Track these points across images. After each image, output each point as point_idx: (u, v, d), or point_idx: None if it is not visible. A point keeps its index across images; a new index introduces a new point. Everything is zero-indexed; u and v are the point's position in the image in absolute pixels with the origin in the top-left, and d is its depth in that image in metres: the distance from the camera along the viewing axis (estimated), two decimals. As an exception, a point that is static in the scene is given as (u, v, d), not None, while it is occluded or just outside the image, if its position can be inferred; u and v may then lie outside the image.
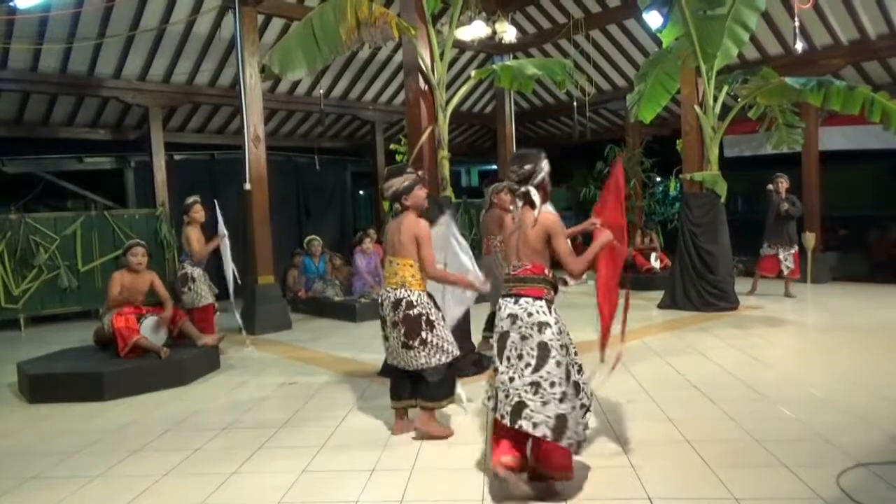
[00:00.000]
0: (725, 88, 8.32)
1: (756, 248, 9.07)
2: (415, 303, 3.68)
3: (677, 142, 8.75)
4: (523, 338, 2.93)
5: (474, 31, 8.67)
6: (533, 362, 2.88)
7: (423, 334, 3.66)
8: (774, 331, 6.72)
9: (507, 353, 2.96)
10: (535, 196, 3.01)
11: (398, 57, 11.19)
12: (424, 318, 3.68)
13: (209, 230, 6.69)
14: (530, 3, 11.12)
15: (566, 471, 2.92)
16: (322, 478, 3.33)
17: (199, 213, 6.48)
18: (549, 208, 3.08)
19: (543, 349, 2.89)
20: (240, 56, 7.79)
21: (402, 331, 3.67)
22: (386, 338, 3.85)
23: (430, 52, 5.43)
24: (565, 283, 10.96)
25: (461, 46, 10.34)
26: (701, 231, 8.09)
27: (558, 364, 2.89)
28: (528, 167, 3.05)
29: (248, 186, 7.85)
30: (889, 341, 5.92)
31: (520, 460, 2.96)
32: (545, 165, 3.09)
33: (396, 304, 3.70)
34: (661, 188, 13.75)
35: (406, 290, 3.70)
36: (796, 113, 9.15)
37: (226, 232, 6.62)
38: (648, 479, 3.09)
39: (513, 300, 3.00)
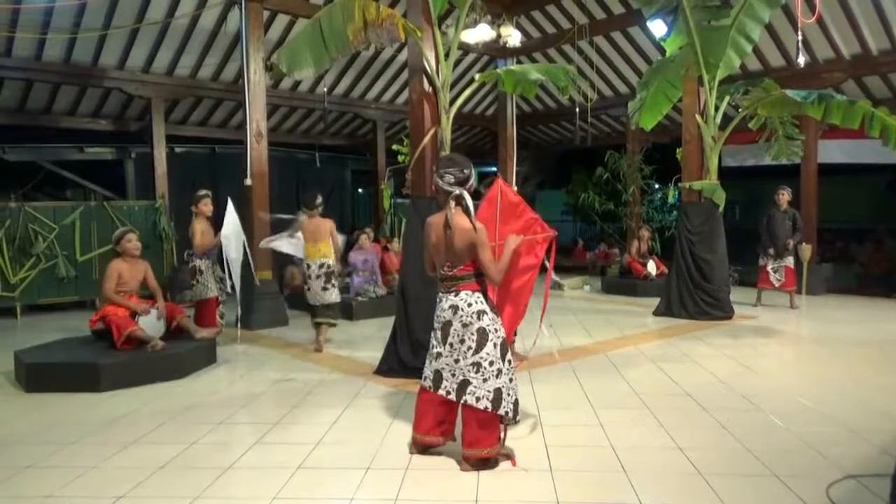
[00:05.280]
0: (727, 98, 8.38)
1: (753, 258, 9.11)
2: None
3: (677, 150, 8.80)
4: (464, 325, 3.30)
5: (479, 34, 8.70)
6: (473, 345, 3.28)
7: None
8: (768, 341, 6.76)
9: (450, 339, 3.34)
10: (469, 200, 3.28)
11: (402, 56, 11.23)
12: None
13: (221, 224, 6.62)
14: (535, 8, 11.16)
15: (494, 446, 3.30)
16: (317, 475, 3.35)
17: (207, 206, 6.47)
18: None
19: (482, 334, 3.29)
20: (244, 51, 7.81)
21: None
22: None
23: (436, 54, 5.45)
24: (560, 287, 11.06)
25: (466, 49, 10.37)
26: (698, 240, 8.13)
27: (495, 345, 3.30)
28: (466, 171, 3.30)
29: (248, 182, 7.86)
30: (881, 354, 5.96)
31: (441, 436, 3.48)
32: (474, 173, 3.38)
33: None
34: (659, 195, 13.81)
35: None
36: (796, 125, 9.20)
37: (227, 225, 6.52)
38: (640, 485, 3.13)
39: (454, 294, 3.34)
